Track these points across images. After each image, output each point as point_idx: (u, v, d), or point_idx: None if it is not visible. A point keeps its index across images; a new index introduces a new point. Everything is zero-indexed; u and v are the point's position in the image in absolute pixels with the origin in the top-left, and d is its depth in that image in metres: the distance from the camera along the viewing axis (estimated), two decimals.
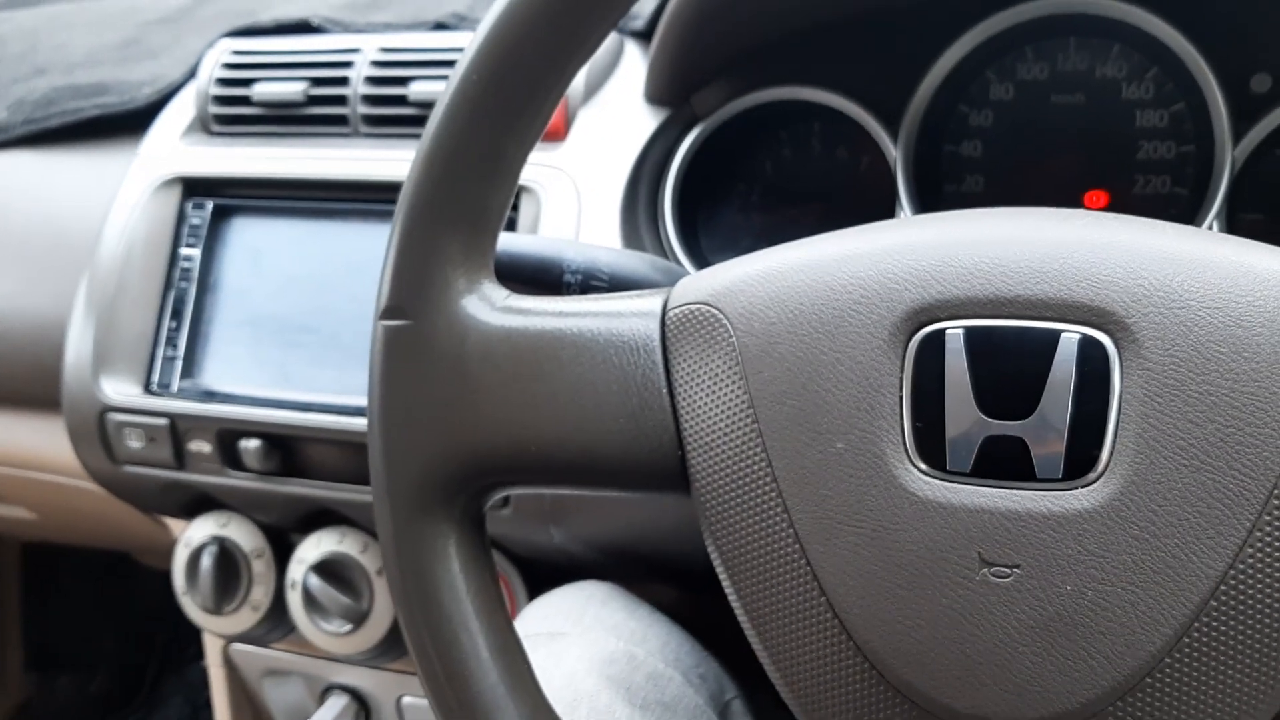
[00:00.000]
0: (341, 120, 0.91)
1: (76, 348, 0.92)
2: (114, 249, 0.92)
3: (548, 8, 0.43)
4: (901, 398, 0.40)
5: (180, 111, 0.99)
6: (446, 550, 0.46)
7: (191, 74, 1.01)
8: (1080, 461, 0.38)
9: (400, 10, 1.01)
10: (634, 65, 0.88)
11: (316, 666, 1.04)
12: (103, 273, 0.92)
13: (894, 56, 0.79)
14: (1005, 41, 0.78)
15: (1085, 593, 0.38)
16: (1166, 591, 0.37)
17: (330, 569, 0.92)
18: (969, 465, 0.39)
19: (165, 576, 1.00)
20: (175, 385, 0.91)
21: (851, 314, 0.41)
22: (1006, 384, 0.39)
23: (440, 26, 0.96)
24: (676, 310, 0.44)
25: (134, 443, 0.90)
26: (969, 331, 0.39)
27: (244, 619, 0.96)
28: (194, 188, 0.93)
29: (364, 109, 0.90)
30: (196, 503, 0.96)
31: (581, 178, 0.82)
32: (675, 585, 0.90)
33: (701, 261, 0.83)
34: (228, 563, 0.95)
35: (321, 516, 0.93)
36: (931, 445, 0.39)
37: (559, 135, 0.85)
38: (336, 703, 1.02)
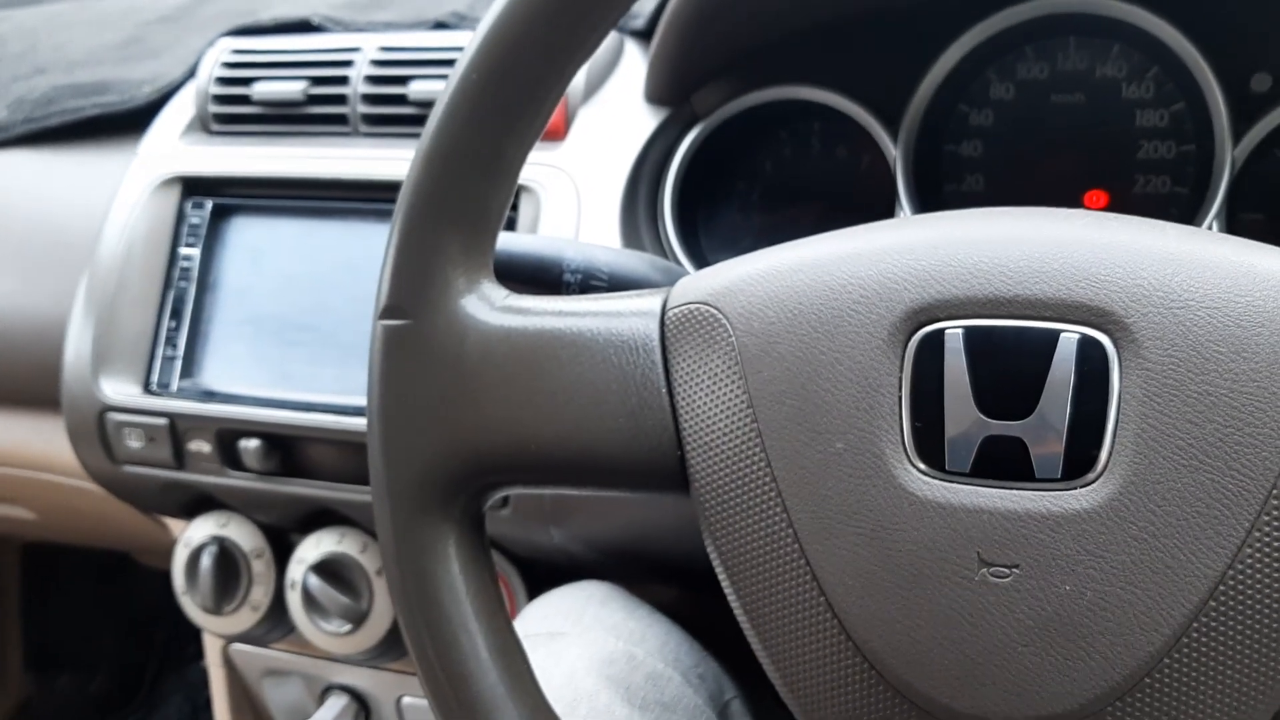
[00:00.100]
0: (341, 119, 0.91)
1: (76, 347, 0.92)
2: (113, 248, 0.92)
3: (547, 7, 0.43)
4: (901, 398, 0.40)
5: (180, 110, 0.99)
6: (446, 550, 0.46)
7: (191, 73, 1.01)
8: (1079, 461, 0.38)
9: (400, 9, 1.01)
10: (634, 64, 0.88)
11: (316, 666, 1.04)
12: (102, 272, 0.92)
13: (894, 56, 0.79)
14: (1005, 41, 0.78)
15: (1084, 593, 0.38)
16: (1165, 591, 0.37)
17: (330, 569, 0.92)
18: (968, 465, 0.39)
19: (165, 576, 1.00)
20: (175, 385, 0.91)
21: (851, 314, 0.41)
22: (1006, 384, 0.39)
23: (440, 26, 0.96)
24: (676, 310, 0.44)
25: (133, 442, 0.90)
26: (968, 331, 0.39)
27: (244, 619, 0.96)
28: (194, 187, 0.93)
29: (364, 108, 0.90)
30: (196, 503, 0.96)
31: (581, 177, 0.82)
32: (675, 585, 0.90)
33: (701, 261, 0.83)
34: (227, 563, 0.94)
35: (321, 516, 0.93)
36: (931, 445, 0.39)
37: (559, 135, 0.85)
38: (336, 703, 1.02)
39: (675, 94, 0.84)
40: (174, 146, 0.96)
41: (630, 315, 0.44)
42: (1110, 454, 0.38)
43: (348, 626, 0.92)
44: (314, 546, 0.93)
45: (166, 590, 0.99)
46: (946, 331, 0.39)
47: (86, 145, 1.05)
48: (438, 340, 0.45)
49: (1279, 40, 0.72)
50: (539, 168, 0.83)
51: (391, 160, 0.88)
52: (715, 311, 0.43)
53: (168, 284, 0.92)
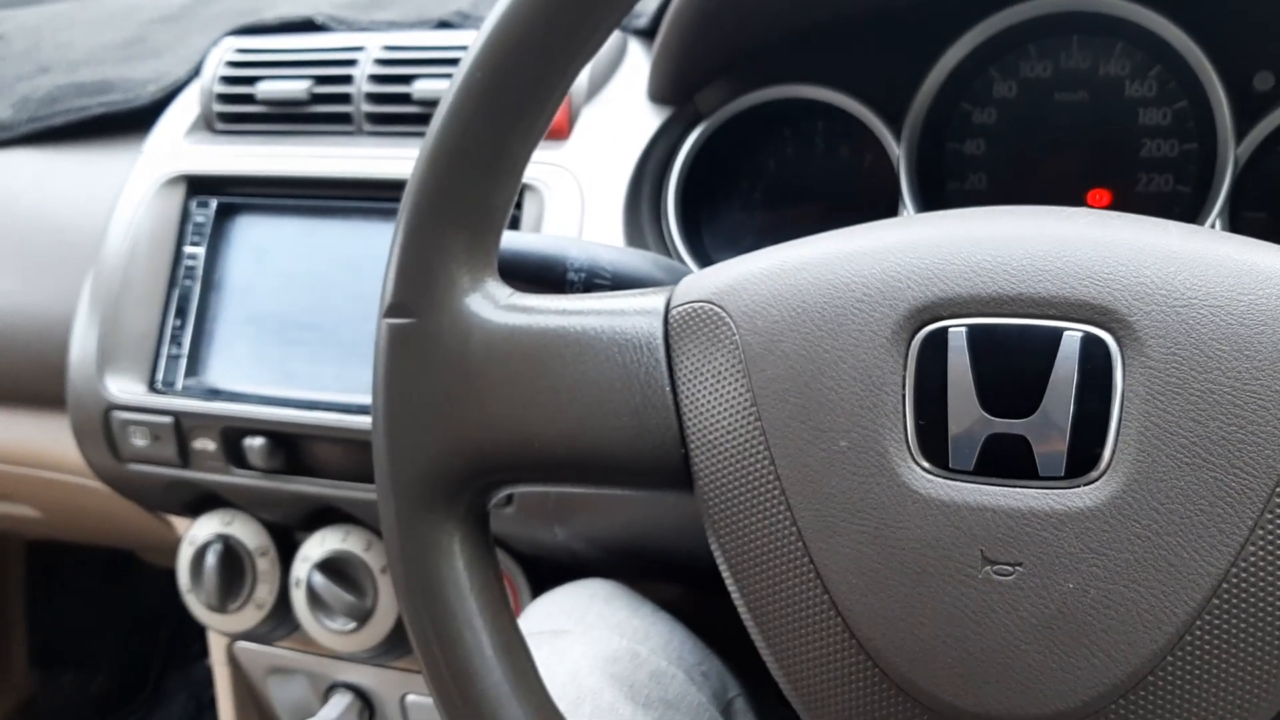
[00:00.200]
0: (345, 118, 0.92)
1: (81, 346, 0.92)
2: (118, 247, 0.92)
3: (550, 7, 0.43)
4: (904, 396, 0.40)
5: (184, 110, 0.99)
6: (451, 548, 0.46)
7: (195, 72, 1.01)
8: (1082, 460, 0.38)
9: (404, 8, 1.01)
10: (637, 64, 0.88)
11: (321, 664, 1.04)
12: (107, 271, 0.92)
13: (897, 55, 0.79)
14: (1008, 39, 0.78)
15: (1087, 591, 0.38)
16: (1168, 590, 0.37)
17: (334, 567, 0.92)
18: (971, 463, 0.39)
19: (169, 574, 1.00)
20: (180, 383, 0.91)
21: (854, 312, 0.41)
22: (1009, 382, 0.39)
23: (444, 25, 0.96)
24: (679, 308, 0.44)
25: (138, 441, 0.91)
26: (971, 330, 0.39)
27: (248, 617, 0.96)
28: (198, 186, 0.93)
29: (368, 107, 0.90)
30: (201, 501, 0.96)
31: (585, 176, 0.82)
32: (678, 583, 0.90)
33: (705, 260, 0.83)
34: (232, 561, 0.95)
35: (326, 514, 0.93)
36: (934, 443, 0.40)
37: (562, 134, 0.85)
38: (340, 701, 1.03)
39: (678, 93, 0.85)
40: (178, 145, 0.96)
41: (634, 314, 0.44)
42: (1113, 452, 0.38)
43: (352, 624, 0.92)
44: (318, 545, 0.93)
45: (171, 588, 0.99)
46: (950, 330, 0.40)
47: (91, 144, 1.05)
48: (442, 339, 0.45)
49: None
50: (543, 167, 0.83)
51: (395, 159, 0.88)
52: (719, 310, 0.43)
53: (172, 283, 0.92)
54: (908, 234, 0.42)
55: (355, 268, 0.88)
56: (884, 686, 0.41)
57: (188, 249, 0.92)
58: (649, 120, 0.84)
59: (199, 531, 0.96)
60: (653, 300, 0.45)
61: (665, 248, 0.83)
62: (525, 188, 0.82)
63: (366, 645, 0.93)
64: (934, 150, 0.80)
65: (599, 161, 0.83)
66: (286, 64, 0.94)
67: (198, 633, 1.16)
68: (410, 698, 1.02)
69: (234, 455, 0.89)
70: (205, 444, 0.89)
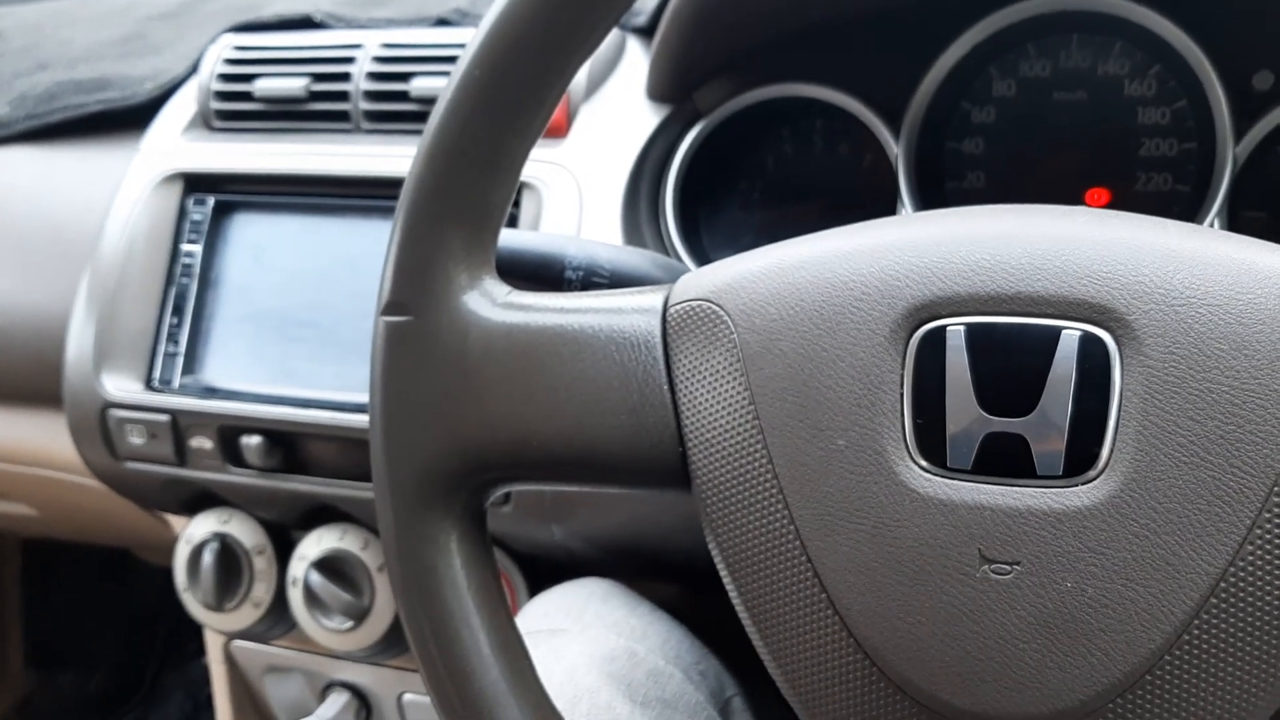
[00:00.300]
0: (343, 116, 0.91)
1: (78, 344, 0.92)
2: (115, 245, 0.92)
3: (549, 4, 0.43)
4: (902, 394, 0.40)
5: (182, 107, 0.99)
6: (448, 546, 0.46)
7: (193, 69, 1.01)
8: (1081, 459, 0.38)
9: (402, 6, 1.01)
10: (636, 62, 0.88)
11: (317, 663, 1.04)
12: (104, 269, 0.92)
13: (896, 53, 0.79)
14: (1007, 38, 0.78)
15: (1085, 590, 0.38)
16: (1166, 589, 0.37)
17: (331, 566, 0.92)
18: (969, 462, 0.39)
19: (166, 573, 1.00)
20: (176, 381, 0.91)
21: (852, 310, 0.41)
22: (1007, 381, 0.39)
23: (442, 22, 0.96)
24: (677, 306, 0.44)
25: (135, 439, 0.90)
26: (970, 328, 0.39)
27: (245, 616, 0.96)
28: (195, 183, 0.93)
29: (366, 105, 0.90)
30: (198, 499, 0.96)
31: (583, 174, 0.82)
32: (676, 582, 0.90)
33: (703, 258, 0.83)
34: (229, 559, 0.95)
35: (323, 513, 0.93)
36: (932, 442, 0.40)
37: (561, 132, 0.85)
38: (337, 700, 1.02)
39: (677, 91, 0.84)
40: (176, 143, 0.96)
41: (632, 312, 0.44)
42: (1111, 451, 0.38)
43: (349, 623, 0.92)
44: (315, 543, 0.93)
45: (168, 587, 0.99)
46: (948, 328, 0.39)
47: (88, 141, 1.05)
48: (440, 337, 0.45)
49: None
50: (541, 165, 0.83)
51: (393, 157, 0.88)
52: (717, 308, 0.43)
53: (169, 281, 0.92)
54: (906, 232, 0.42)
55: (353, 266, 0.88)
56: (881, 685, 0.41)
57: (185, 247, 0.92)
58: (647, 118, 0.84)
59: (196, 530, 0.96)
60: (651, 298, 0.45)
61: (663, 246, 0.83)
62: (523, 186, 0.82)
63: (363, 644, 0.93)
64: (933, 149, 0.80)
65: (597, 160, 0.83)
66: (284, 61, 0.94)
67: (194, 631, 1.16)
68: (407, 696, 1.02)
69: (231, 454, 0.89)
70: (202, 442, 0.89)
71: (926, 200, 0.79)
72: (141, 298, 0.91)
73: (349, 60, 0.91)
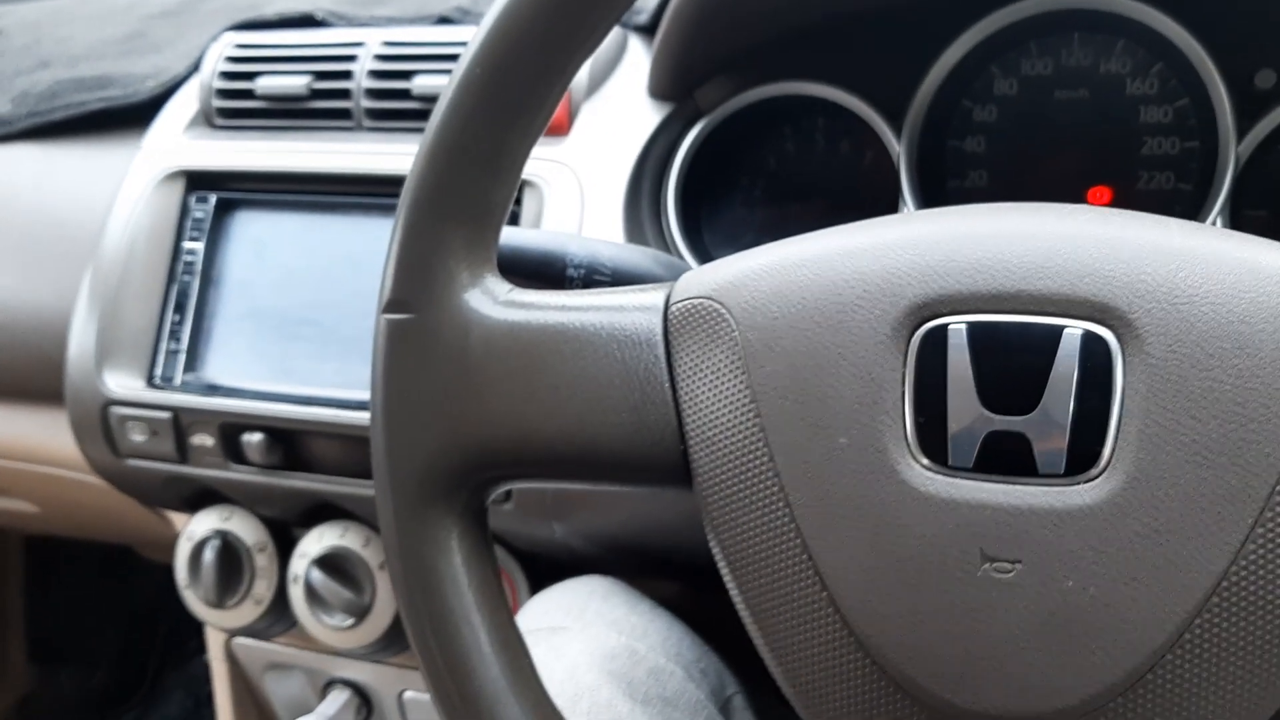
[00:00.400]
0: (345, 114, 0.91)
1: (79, 341, 0.92)
2: (117, 242, 0.92)
3: (551, 3, 0.43)
4: (904, 393, 0.40)
5: (183, 105, 0.99)
6: (449, 544, 0.46)
7: (195, 67, 1.01)
8: (1082, 457, 0.38)
9: (404, 4, 1.01)
10: (638, 60, 0.88)
11: (318, 661, 1.04)
12: (106, 266, 0.92)
13: (898, 52, 0.79)
14: (1009, 37, 0.78)
15: (1087, 588, 0.38)
16: (1168, 588, 0.37)
17: (332, 563, 0.92)
18: (971, 460, 0.39)
19: (167, 570, 1.00)
20: (178, 379, 0.91)
21: (854, 309, 0.41)
22: (1009, 379, 0.39)
23: (444, 20, 0.96)
24: (679, 304, 0.44)
25: (137, 436, 0.90)
26: (972, 327, 0.39)
27: (246, 613, 0.96)
28: (197, 181, 0.93)
29: (367, 103, 0.90)
30: (199, 496, 0.96)
31: (585, 172, 0.82)
32: (677, 580, 0.90)
33: (704, 256, 0.83)
34: (230, 557, 0.95)
35: (324, 511, 0.93)
36: (934, 440, 0.39)
37: (562, 130, 0.85)
38: (338, 697, 1.02)
39: (679, 89, 0.84)
40: (177, 141, 0.96)
41: (633, 310, 0.44)
42: (1113, 450, 0.38)
43: (350, 621, 0.92)
44: (316, 541, 0.93)
45: (169, 584, 0.99)
46: (950, 327, 0.39)
47: (90, 139, 1.04)
48: (441, 334, 0.45)
49: None
50: (542, 163, 0.83)
51: (395, 155, 0.88)
52: (719, 306, 0.43)
53: (171, 278, 0.92)
54: (908, 230, 0.42)
55: (354, 263, 0.88)
56: (882, 684, 0.40)
57: (186, 244, 0.92)
58: (649, 116, 0.84)
59: (197, 527, 0.96)
60: (652, 296, 0.45)
61: (665, 244, 0.83)
62: (525, 184, 0.82)
63: (364, 641, 0.93)
64: (935, 147, 0.80)
65: (599, 158, 0.83)
66: (286, 59, 0.94)
67: (195, 629, 1.16)
68: (408, 694, 1.02)
69: (232, 451, 0.89)
70: (203, 439, 0.89)
71: (928, 199, 0.79)
72: (143, 295, 0.91)
73: (351, 58, 0.91)
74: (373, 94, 0.90)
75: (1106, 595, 0.38)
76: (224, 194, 0.92)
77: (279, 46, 0.95)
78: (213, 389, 0.89)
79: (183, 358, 0.91)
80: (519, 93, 0.44)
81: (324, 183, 0.90)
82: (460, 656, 0.46)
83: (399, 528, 0.46)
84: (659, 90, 0.85)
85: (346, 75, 0.91)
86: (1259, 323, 0.37)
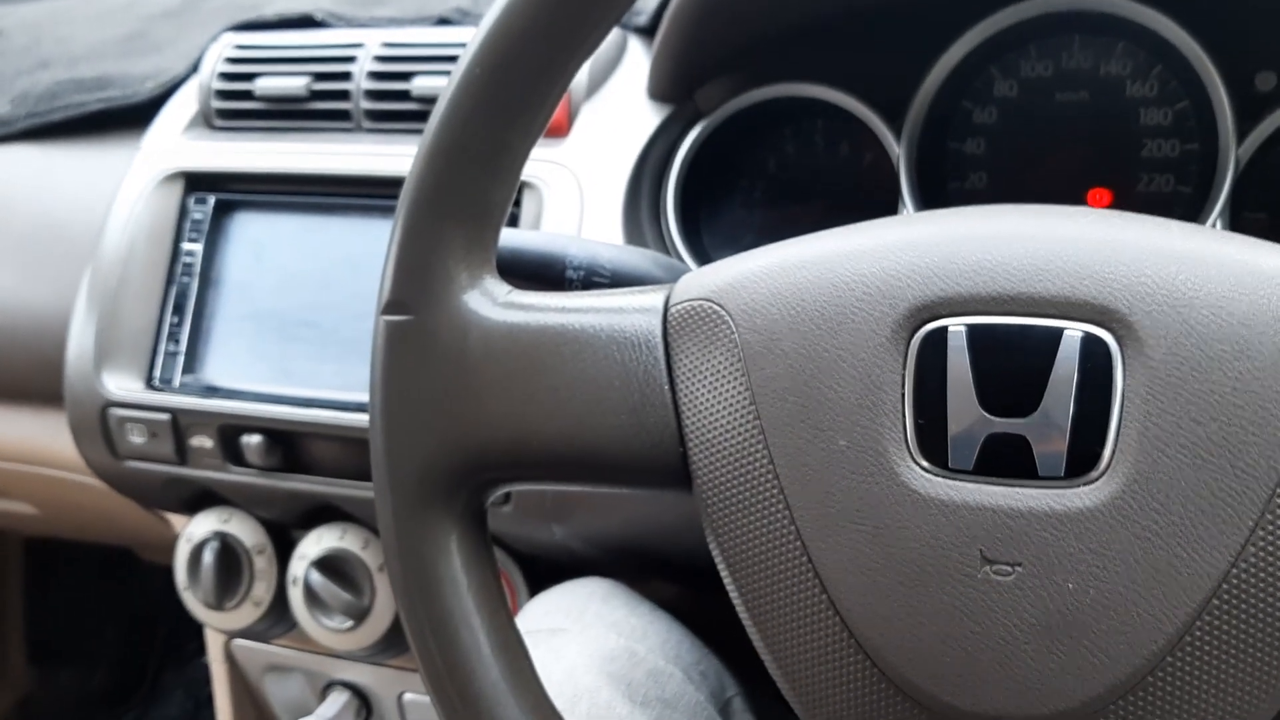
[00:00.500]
0: (344, 115, 0.91)
1: (78, 342, 0.92)
2: (116, 243, 0.92)
3: (550, 3, 0.43)
4: (904, 395, 0.40)
5: (183, 106, 0.99)
6: (448, 546, 0.46)
7: (194, 68, 1.00)
8: (1082, 459, 0.38)
9: (403, 5, 1.01)
10: (637, 61, 0.88)
11: (318, 663, 1.04)
12: (105, 267, 0.92)
13: (898, 53, 0.79)
14: (1009, 39, 0.78)
15: (1087, 591, 0.38)
16: (1168, 590, 0.37)
17: (332, 565, 0.92)
18: (971, 463, 0.39)
19: (167, 572, 1.00)
20: (177, 380, 0.91)
21: (854, 310, 0.41)
22: (1009, 381, 0.39)
23: (443, 22, 0.96)
24: (679, 306, 0.44)
25: (136, 438, 0.90)
26: (971, 329, 0.39)
27: (245, 615, 0.96)
28: (196, 182, 0.93)
29: (367, 104, 0.90)
30: (198, 498, 0.96)
31: (584, 174, 0.82)
32: (676, 582, 0.90)
33: (704, 258, 0.83)
34: (229, 558, 0.94)
35: (323, 512, 0.93)
36: (934, 443, 0.39)
37: (562, 131, 0.84)
38: (338, 699, 1.02)
39: (678, 90, 0.84)
40: (177, 142, 0.96)
41: (633, 311, 0.44)
42: (1113, 452, 0.38)
43: (349, 623, 0.92)
44: (316, 542, 0.93)
45: (168, 586, 0.99)
46: (950, 329, 0.39)
47: (89, 140, 1.04)
48: (440, 336, 0.45)
49: None
50: (542, 164, 0.82)
51: (394, 156, 0.88)
52: (718, 308, 0.43)
53: (170, 279, 0.92)
54: (908, 232, 0.42)
55: (354, 265, 0.88)
56: (882, 686, 0.40)
57: (185, 245, 0.92)
58: (649, 118, 0.84)
59: (196, 529, 0.96)
60: (652, 298, 0.45)
61: (664, 246, 0.83)
62: (524, 185, 0.82)
63: (364, 643, 0.93)
64: (934, 149, 0.80)
65: (598, 159, 0.82)
66: (285, 60, 0.94)
67: (195, 630, 1.16)
68: (407, 696, 1.02)
69: (231, 453, 0.89)
70: (202, 441, 0.89)
71: (928, 200, 0.79)
72: (142, 296, 0.91)
73: (350, 59, 0.91)
74: (372, 95, 0.90)
75: (1107, 598, 0.38)
76: (223, 195, 0.92)
77: (278, 47, 0.95)
78: (212, 390, 0.89)
79: (182, 359, 0.91)
80: (519, 92, 0.44)
81: (323, 184, 0.90)
82: (460, 658, 0.46)
83: (398, 529, 0.46)
84: (658, 91, 0.85)
85: (346, 76, 0.91)
86: (1259, 325, 0.37)
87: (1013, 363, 0.39)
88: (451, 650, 0.46)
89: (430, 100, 0.87)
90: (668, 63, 0.82)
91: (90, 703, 1.59)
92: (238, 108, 0.94)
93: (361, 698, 1.04)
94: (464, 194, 0.45)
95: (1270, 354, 0.37)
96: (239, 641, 1.07)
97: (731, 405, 0.42)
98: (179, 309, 0.91)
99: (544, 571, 0.90)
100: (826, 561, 0.40)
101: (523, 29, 0.44)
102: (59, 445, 0.97)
